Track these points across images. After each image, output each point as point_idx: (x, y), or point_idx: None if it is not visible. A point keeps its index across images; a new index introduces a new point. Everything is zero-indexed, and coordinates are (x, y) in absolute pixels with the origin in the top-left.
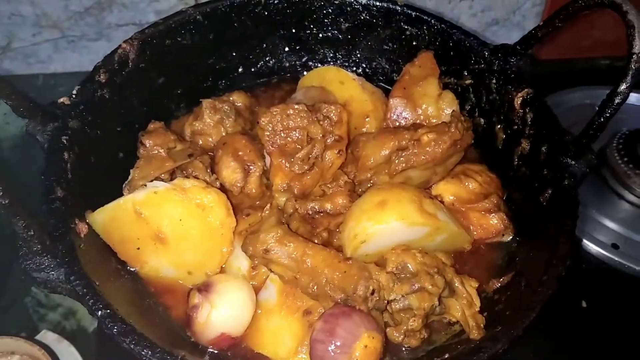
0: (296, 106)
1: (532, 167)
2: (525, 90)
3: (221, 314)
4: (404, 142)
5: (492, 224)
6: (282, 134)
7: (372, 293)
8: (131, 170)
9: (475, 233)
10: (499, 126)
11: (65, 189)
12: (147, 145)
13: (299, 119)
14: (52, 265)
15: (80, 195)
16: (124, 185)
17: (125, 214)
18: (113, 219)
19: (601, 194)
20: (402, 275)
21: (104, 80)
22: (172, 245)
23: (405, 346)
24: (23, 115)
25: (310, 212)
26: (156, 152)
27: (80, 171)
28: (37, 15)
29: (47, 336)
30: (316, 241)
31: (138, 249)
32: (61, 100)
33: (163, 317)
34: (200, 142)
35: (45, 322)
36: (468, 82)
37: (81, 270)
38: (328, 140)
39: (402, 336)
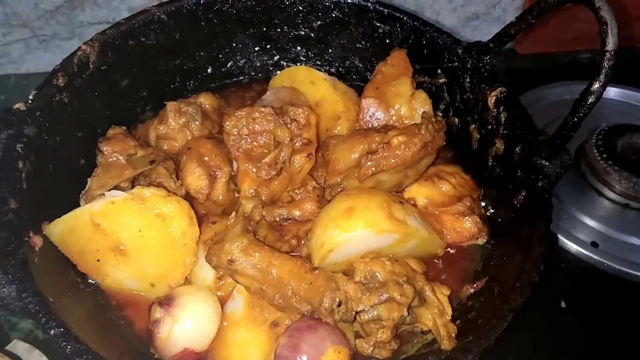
0: (262, 109)
1: (506, 168)
2: (499, 89)
3: (183, 329)
4: (374, 145)
5: (466, 227)
6: (248, 139)
7: (339, 305)
8: (89, 179)
9: (448, 237)
10: (473, 126)
11: (20, 200)
12: (105, 153)
13: (265, 123)
14: (3, 282)
15: (37, 206)
16: (81, 195)
17: (82, 225)
18: (71, 230)
19: (580, 191)
20: (371, 285)
21: (62, 84)
22: (133, 257)
23: (376, 357)
24: None
25: (278, 219)
26: (115, 159)
27: (37, 180)
28: (6, 14)
29: (18, 346)
30: (286, 248)
31: (98, 260)
32: (16, 106)
33: (124, 332)
34: (166, 147)
35: (17, 331)
36: (442, 80)
37: (33, 286)
38: (296, 144)
39: (371, 348)
